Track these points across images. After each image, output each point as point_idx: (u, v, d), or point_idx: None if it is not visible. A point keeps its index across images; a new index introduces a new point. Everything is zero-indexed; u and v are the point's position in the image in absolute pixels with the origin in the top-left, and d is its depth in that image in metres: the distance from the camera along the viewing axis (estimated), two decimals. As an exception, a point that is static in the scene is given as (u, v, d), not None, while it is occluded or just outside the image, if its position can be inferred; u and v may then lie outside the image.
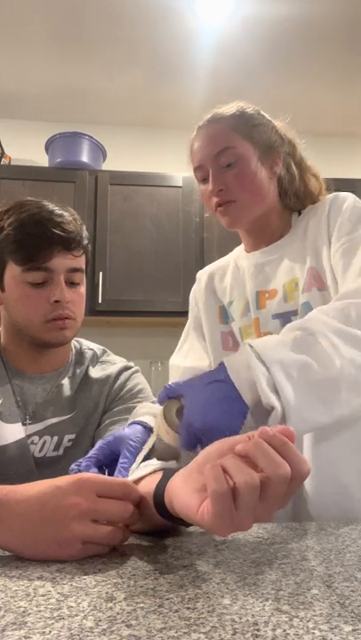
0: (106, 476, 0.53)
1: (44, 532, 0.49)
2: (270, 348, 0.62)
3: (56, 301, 0.86)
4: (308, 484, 0.79)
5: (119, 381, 0.97)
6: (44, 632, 0.34)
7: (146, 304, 2.61)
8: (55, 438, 0.90)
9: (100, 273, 2.59)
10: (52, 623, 0.36)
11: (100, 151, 2.84)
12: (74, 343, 1.01)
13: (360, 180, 2.85)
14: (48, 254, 0.85)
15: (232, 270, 1.00)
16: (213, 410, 0.59)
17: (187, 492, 0.48)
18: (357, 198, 0.88)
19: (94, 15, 2.34)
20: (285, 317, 0.86)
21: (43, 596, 0.41)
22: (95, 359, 1.00)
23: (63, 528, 0.49)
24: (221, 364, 0.63)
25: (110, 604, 0.39)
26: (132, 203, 2.72)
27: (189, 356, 0.98)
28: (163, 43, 2.52)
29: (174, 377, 0.95)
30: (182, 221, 2.72)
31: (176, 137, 3.21)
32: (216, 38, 2.49)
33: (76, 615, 0.37)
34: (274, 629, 0.34)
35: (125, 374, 0.98)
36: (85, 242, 0.91)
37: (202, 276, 1.07)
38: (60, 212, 0.89)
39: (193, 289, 1.08)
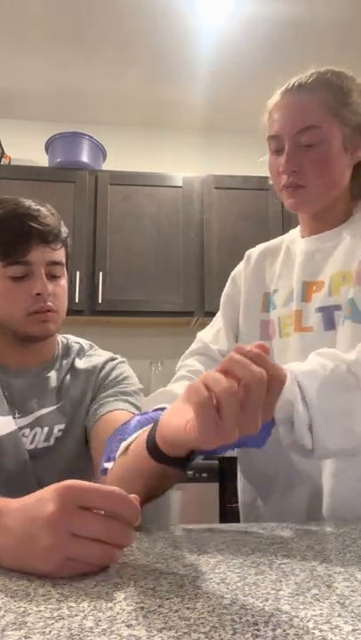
0: (94, 485, 0.46)
1: (25, 546, 0.45)
2: (316, 389, 0.59)
3: (37, 294, 0.87)
4: (327, 484, 0.78)
5: (105, 370, 0.98)
6: (43, 632, 0.34)
7: (146, 304, 2.61)
8: (45, 429, 0.91)
9: (100, 273, 2.59)
10: (52, 623, 0.36)
11: (100, 151, 2.84)
12: (61, 338, 1.02)
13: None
14: (26, 248, 0.86)
15: (283, 254, 0.94)
16: None
17: (174, 420, 0.50)
18: None
19: (94, 15, 2.34)
20: (328, 311, 0.81)
21: (43, 595, 0.41)
22: (82, 352, 1.01)
23: (40, 540, 0.44)
24: None
25: (110, 604, 0.39)
26: (132, 203, 2.72)
27: (218, 335, 0.96)
28: (163, 43, 2.52)
29: (192, 347, 0.95)
30: (182, 221, 2.72)
31: (176, 137, 3.24)
32: (216, 38, 2.49)
33: (76, 615, 0.37)
34: (274, 629, 0.34)
35: (111, 364, 0.99)
36: (64, 235, 0.92)
37: (253, 253, 1.00)
38: (36, 207, 0.90)
39: (238, 268, 1.02)
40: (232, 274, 1.02)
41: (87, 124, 2.97)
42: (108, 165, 2.91)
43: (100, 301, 2.57)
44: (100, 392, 0.95)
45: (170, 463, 0.55)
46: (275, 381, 0.45)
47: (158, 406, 0.73)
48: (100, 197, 2.70)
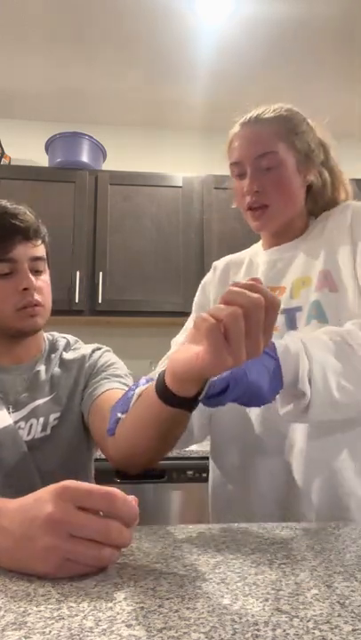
0: (92, 486, 0.46)
1: (24, 546, 0.45)
2: (316, 347, 0.69)
3: (25, 289, 0.89)
4: (299, 476, 0.84)
5: (93, 358, 1.01)
6: (44, 632, 0.34)
7: (146, 304, 2.61)
8: (41, 419, 0.93)
9: (100, 273, 2.59)
10: (52, 623, 0.36)
11: (100, 151, 2.84)
12: (47, 335, 1.05)
13: (360, 180, 2.86)
14: (10, 245, 0.89)
15: (246, 265, 1.04)
16: (258, 375, 0.63)
17: (184, 354, 0.54)
18: None
19: (94, 15, 2.34)
20: (291, 313, 0.90)
21: (43, 595, 0.41)
22: (68, 346, 1.05)
23: (37, 540, 0.45)
24: (272, 345, 0.68)
25: (110, 604, 0.39)
26: (132, 203, 2.72)
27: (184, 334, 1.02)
28: (163, 43, 2.52)
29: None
30: (182, 221, 2.72)
31: (176, 137, 3.24)
32: (216, 38, 2.49)
33: (76, 615, 0.37)
34: (274, 629, 0.34)
35: (98, 352, 1.03)
36: (43, 231, 0.96)
37: (218, 265, 1.10)
38: (13, 205, 0.93)
39: (207, 277, 1.12)
40: (202, 282, 1.12)
41: (87, 124, 2.97)
42: (108, 165, 2.91)
43: (100, 301, 2.57)
44: (92, 378, 0.97)
45: (179, 405, 0.59)
46: (271, 305, 0.50)
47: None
48: (100, 197, 2.70)
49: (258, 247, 1.05)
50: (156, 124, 3.16)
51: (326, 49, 2.58)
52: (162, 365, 0.92)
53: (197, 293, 1.12)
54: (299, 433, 0.85)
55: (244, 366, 0.62)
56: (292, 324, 0.89)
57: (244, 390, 0.60)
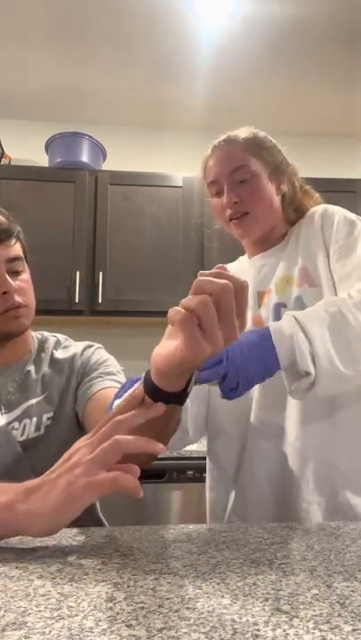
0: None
1: (70, 482, 0.52)
2: (312, 322, 0.73)
3: (4, 293, 0.88)
4: (293, 458, 0.88)
5: (85, 356, 1.01)
6: (44, 632, 0.34)
7: (146, 304, 2.61)
8: (34, 419, 0.93)
9: (100, 273, 2.59)
10: (52, 623, 0.36)
11: (100, 151, 2.84)
12: (35, 335, 1.04)
13: (360, 180, 2.85)
14: None
15: (238, 272, 1.08)
16: (252, 358, 0.69)
17: (164, 350, 0.56)
18: (344, 210, 0.99)
19: (94, 15, 2.34)
20: (276, 307, 0.96)
21: (43, 595, 0.41)
22: (58, 344, 1.04)
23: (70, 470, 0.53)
24: (266, 329, 0.72)
25: (110, 604, 0.39)
26: (132, 203, 2.72)
27: None
28: (163, 43, 2.52)
29: None
30: (182, 221, 2.72)
31: (176, 137, 3.24)
32: (216, 38, 2.49)
33: (76, 615, 0.37)
34: (274, 629, 0.34)
35: (89, 350, 1.02)
36: (16, 230, 0.94)
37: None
38: None
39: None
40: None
41: (87, 124, 2.97)
42: (108, 165, 2.91)
43: (100, 301, 2.57)
44: (85, 376, 0.97)
45: (169, 400, 0.60)
46: (240, 288, 0.51)
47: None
48: (100, 197, 2.69)
49: (243, 258, 1.12)
50: (156, 124, 3.16)
51: (326, 49, 2.58)
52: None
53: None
54: (291, 422, 0.90)
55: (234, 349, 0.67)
56: (277, 318, 0.95)
57: (237, 367, 0.65)
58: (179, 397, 0.61)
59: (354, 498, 0.86)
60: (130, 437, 0.54)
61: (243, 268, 1.08)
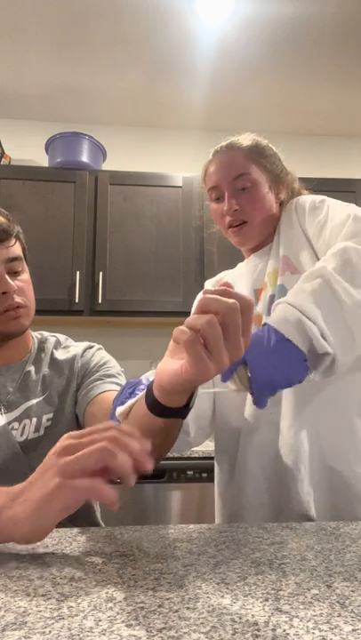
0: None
1: (46, 484, 0.50)
2: (307, 303, 0.70)
3: (4, 293, 0.88)
4: (287, 438, 0.88)
5: (85, 357, 1.01)
6: (43, 632, 0.34)
7: (146, 304, 2.61)
8: (34, 420, 0.93)
9: (100, 273, 2.59)
10: (52, 623, 0.36)
11: (100, 151, 2.84)
12: (35, 334, 1.04)
13: (360, 180, 2.85)
14: None
15: (237, 275, 1.11)
16: (281, 368, 0.66)
17: (169, 367, 0.54)
18: (313, 195, 1.01)
19: (94, 15, 2.34)
20: (270, 300, 0.97)
21: (43, 595, 0.41)
22: (59, 344, 1.04)
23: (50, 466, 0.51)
24: (266, 326, 0.70)
25: (110, 604, 0.39)
26: (132, 203, 2.72)
27: None
28: (163, 43, 2.52)
29: None
30: (182, 221, 2.72)
31: (176, 137, 3.24)
32: (216, 38, 2.49)
33: (76, 615, 0.37)
34: (274, 629, 0.34)
35: (90, 351, 1.02)
36: (14, 230, 0.93)
37: (209, 283, 1.17)
38: None
39: (206, 285, 1.18)
40: (198, 297, 1.16)
41: (87, 124, 2.97)
42: (108, 165, 2.91)
43: (100, 301, 2.57)
44: (85, 379, 0.97)
45: (171, 415, 0.59)
46: (246, 307, 0.51)
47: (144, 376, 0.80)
48: (100, 197, 2.70)
49: (242, 264, 1.13)
50: (155, 124, 3.16)
51: (326, 49, 2.58)
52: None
53: (199, 296, 1.15)
54: (286, 415, 0.90)
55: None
56: (269, 311, 0.97)
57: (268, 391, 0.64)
58: (180, 412, 0.60)
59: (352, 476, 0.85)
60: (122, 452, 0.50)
61: (241, 272, 1.09)
